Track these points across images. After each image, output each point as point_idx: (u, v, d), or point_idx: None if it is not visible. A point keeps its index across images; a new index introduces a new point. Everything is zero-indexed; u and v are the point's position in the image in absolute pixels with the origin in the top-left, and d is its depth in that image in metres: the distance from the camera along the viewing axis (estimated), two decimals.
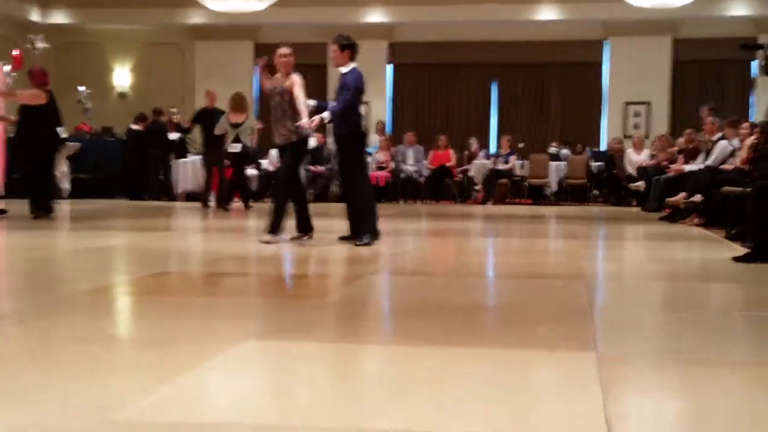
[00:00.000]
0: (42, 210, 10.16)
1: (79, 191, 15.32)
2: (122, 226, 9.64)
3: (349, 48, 7.33)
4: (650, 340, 3.64)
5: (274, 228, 7.13)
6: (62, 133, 10.86)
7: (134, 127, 15.70)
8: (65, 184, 14.96)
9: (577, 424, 2.32)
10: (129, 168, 15.63)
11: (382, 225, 7.64)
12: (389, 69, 18.09)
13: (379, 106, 17.90)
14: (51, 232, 8.89)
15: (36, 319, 3.78)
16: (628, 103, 17.27)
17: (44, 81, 10.43)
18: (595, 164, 15.96)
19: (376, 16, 17.22)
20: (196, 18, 17.19)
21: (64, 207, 11.94)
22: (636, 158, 14.94)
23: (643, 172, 13.75)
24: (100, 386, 2.61)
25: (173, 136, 15.73)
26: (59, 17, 17.89)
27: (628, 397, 2.65)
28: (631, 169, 14.73)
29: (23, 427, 2.21)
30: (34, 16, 17.49)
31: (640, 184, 13.35)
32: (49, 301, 4.33)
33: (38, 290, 4.87)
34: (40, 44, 15.08)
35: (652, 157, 14.37)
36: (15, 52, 14.71)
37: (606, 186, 15.82)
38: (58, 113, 10.57)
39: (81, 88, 15.55)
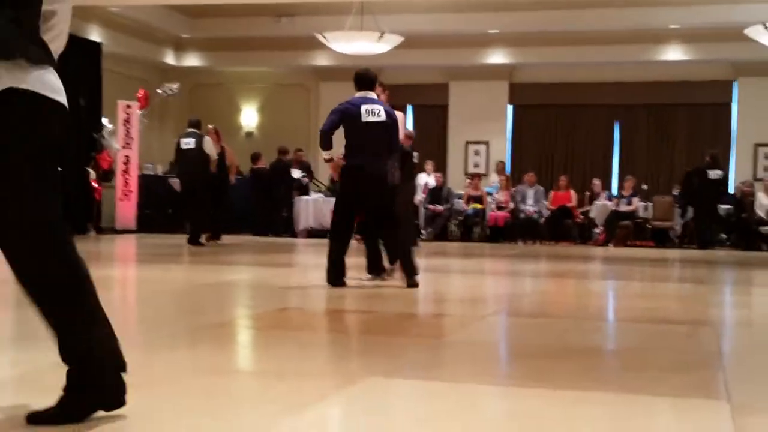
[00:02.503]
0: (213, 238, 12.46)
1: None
2: (247, 261, 9.90)
3: (354, 80, 7.14)
4: None
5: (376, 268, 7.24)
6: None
7: (256, 166, 16.17)
8: None
9: None
10: (256, 206, 16.09)
11: (502, 266, 7.59)
12: (510, 109, 18.06)
13: (499, 146, 17.89)
14: (179, 266, 9.22)
15: (166, 350, 3.93)
16: (758, 145, 16.69)
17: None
18: (723, 207, 15.45)
19: (497, 57, 17.26)
20: (321, 60, 17.62)
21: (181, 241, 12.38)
22: (766, 202, 14.40)
23: None
24: (230, 415, 2.69)
25: (297, 174, 16.14)
26: (192, 60, 18.68)
27: None
28: (762, 213, 14.20)
29: None
30: (169, 59, 18.31)
31: None
32: (179, 333, 4.49)
33: (168, 323, 5.06)
34: (173, 87, 15.81)
35: None
36: (140, 93, 15.50)
37: (735, 230, 15.29)
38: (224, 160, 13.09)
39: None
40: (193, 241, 12.04)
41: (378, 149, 6.91)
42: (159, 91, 16.04)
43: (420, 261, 10.67)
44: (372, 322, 5.41)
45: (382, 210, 6.95)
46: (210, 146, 12.32)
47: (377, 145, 6.92)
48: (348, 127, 6.86)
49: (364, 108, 6.86)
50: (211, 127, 12.96)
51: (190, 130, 12.35)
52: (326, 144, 6.89)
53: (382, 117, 6.92)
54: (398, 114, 7.41)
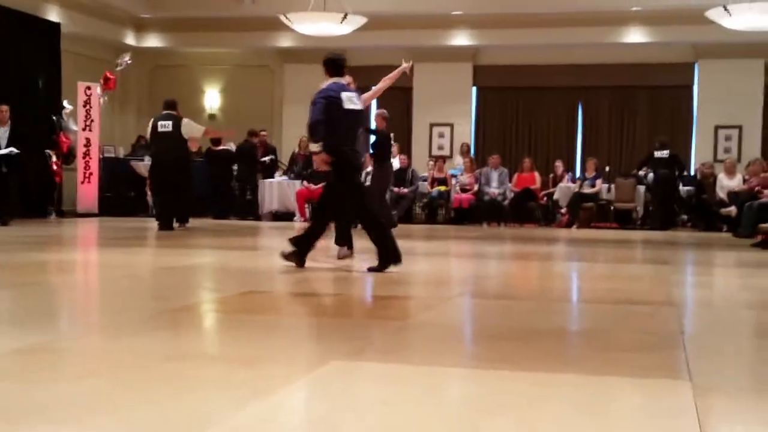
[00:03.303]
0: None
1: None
2: (212, 244, 9.83)
3: (325, 65, 7.07)
4: (746, 370, 3.54)
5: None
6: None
7: (216, 148, 16.00)
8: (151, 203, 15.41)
9: None
10: (216, 188, 15.98)
11: (466, 248, 7.60)
12: (474, 91, 18.08)
13: (463, 129, 17.92)
14: (142, 250, 9.13)
15: (128, 336, 3.88)
16: (718, 127, 16.88)
17: None
18: (684, 189, 15.62)
19: (461, 38, 17.27)
20: (285, 41, 17.50)
21: (153, 225, 12.26)
22: (728, 183, 14.59)
23: (734, 197, 13.41)
24: (191, 403, 2.67)
25: (266, 158, 16.14)
26: (153, 41, 18.45)
27: (726, 428, 2.58)
28: (722, 194, 14.38)
29: None
30: (130, 39, 18.07)
31: (732, 210, 13.01)
32: (142, 318, 4.44)
33: (131, 307, 5.01)
34: (127, 58, 15.46)
35: (745, 181, 14.00)
36: (109, 75, 15.25)
37: (695, 211, 15.46)
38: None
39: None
40: (182, 221, 12.10)
41: (354, 137, 6.97)
42: (118, 67, 15.73)
43: None
44: (337, 305, 5.40)
45: (356, 202, 6.94)
46: (190, 128, 12.04)
47: (354, 132, 6.98)
48: (330, 116, 6.74)
49: (344, 95, 6.82)
50: None
51: (166, 112, 12.02)
52: (320, 134, 6.72)
53: (360, 105, 6.95)
54: (364, 95, 7.40)
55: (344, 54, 7.20)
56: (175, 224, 12.12)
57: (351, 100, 6.84)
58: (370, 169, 14.71)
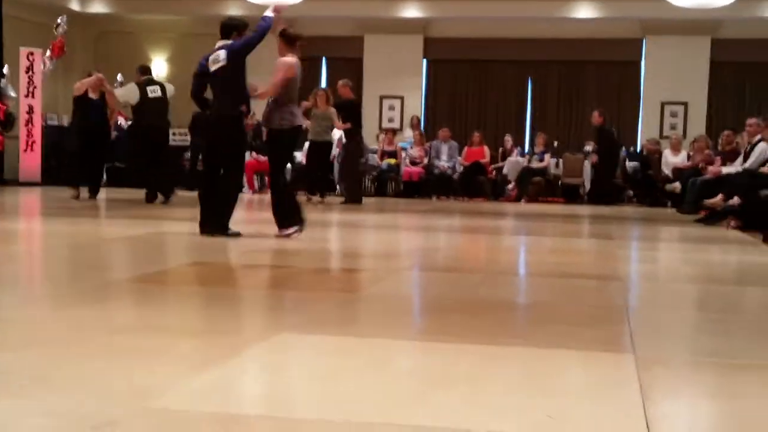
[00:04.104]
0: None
1: (115, 180, 15.49)
2: (158, 215, 9.70)
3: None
4: (688, 342, 3.60)
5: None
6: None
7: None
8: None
9: (616, 427, 2.29)
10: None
11: (416, 221, 7.62)
12: (424, 64, 18.05)
13: (413, 102, 17.89)
14: (87, 220, 8.98)
15: (72, 307, 3.82)
16: (664, 104, 17.10)
17: None
18: (630, 164, 15.82)
19: (411, 10, 17.20)
20: (233, 10, 17.23)
21: (100, 195, 12.05)
22: (673, 159, 14.80)
23: (679, 173, 13.62)
24: (137, 374, 2.63)
25: None
26: (98, 7, 18.06)
27: (668, 399, 2.62)
28: (667, 171, 14.59)
29: (60, 414, 2.22)
30: (74, 5, 17.66)
31: (676, 186, 13.22)
32: (86, 289, 4.37)
33: (75, 278, 4.92)
34: (64, 21, 14.93)
35: (689, 158, 14.22)
36: (56, 41, 14.82)
37: (641, 187, 15.69)
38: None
39: (119, 77, 15.61)
40: (165, 197, 11.43)
41: (223, 97, 7.01)
42: (61, 30, 15.09)
43: (335, 216, 10.67)
44: (285, 277, 5.37)
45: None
46: (172, 91, 11.70)
47: (220, 92, 7.04)
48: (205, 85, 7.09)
49: (211, 58, 7.00)
50: (99, 74, 12.17)
51: (148, 77, 11.62)
52: (201, 105, 7.17)
53: (223, 61, 6.96)
54: (282, 60, 7.20)
55: (293, 22, 7.20)
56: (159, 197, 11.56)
57: (215, 60, 6.97)
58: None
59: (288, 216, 7.02)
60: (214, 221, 6.87)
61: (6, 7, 15.24)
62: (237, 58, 6.93)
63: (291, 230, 6.97)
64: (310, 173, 13.08)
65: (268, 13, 7.09)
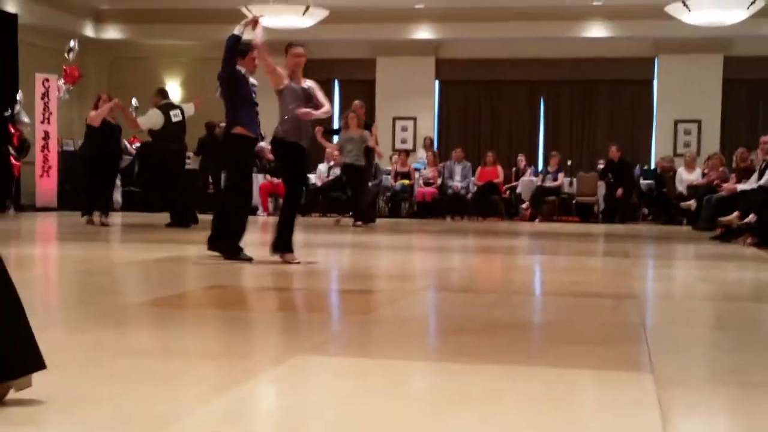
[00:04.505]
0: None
1: (130, 204, 15.57)
2: (173, 239, 9.72)
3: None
4: (706, 361, 3.57)
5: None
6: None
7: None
8: (117, 197, 15.21)
9: None
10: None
11: (430, 241, 7.61)
12: (436, 85, 18.10)
13: (426, 122, 17.93)
14: (103, 244, 9.02)
15: (89, 331, 3.82)
16: (678, 122, 17.07)
17: None
18: (644, 182, 15.78)
19: (423, 32, 17.27)
20: (246, 34, 17.32)
21: (115, 220, 12.10)
22: (688, 177, 14.76)
23: (694, 190, 13.57)
24: (154, 398, 2.63)
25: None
26: (112, 33, 18.21)
27: (688, 419, 2.60)
28: (682, 188, 14.55)
29: None
30: (88, 31, 17.82)
31: (691, 203, 13.17)
32: (102, 313, 4.38)
33: (91, 302, 4.93)
34: (75, 46, 14.91)
35: (704, 175, 14.18)
36: (70, 68, 14.90)
37: (656, 205, 15.64)
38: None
39: (134, 102, 15.69)
40: (186, 222, 11.23)
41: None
42: (73, 54, 15.08)
43: (348, 237, 10.67)
44: (300, 299, 5.37)
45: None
46: (190, 111, 11.71)
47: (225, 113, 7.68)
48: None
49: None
50: (117, 100, 12.14)
51: (168, 101, 11.68)
52: None
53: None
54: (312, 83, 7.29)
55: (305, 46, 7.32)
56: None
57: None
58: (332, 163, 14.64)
59: (286, 240, 6.84)
60: (217, 238, 6.94)
61: (21, 34, 15.40)
62: (222, 83, 7.13)
63: (288, 256, 6.81)
64: (357, 198, 12.85)
65: (237, 30, 7.22)
